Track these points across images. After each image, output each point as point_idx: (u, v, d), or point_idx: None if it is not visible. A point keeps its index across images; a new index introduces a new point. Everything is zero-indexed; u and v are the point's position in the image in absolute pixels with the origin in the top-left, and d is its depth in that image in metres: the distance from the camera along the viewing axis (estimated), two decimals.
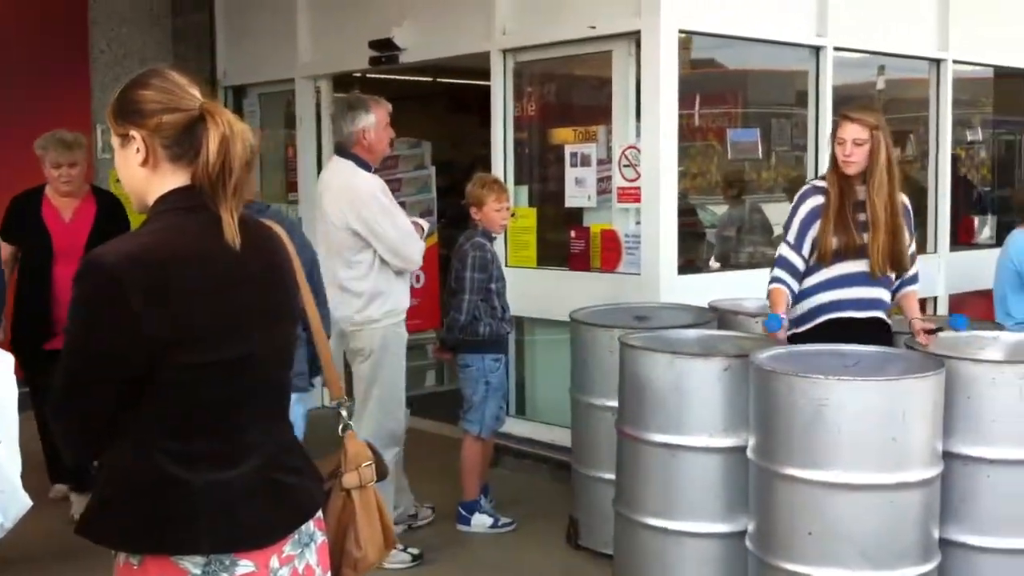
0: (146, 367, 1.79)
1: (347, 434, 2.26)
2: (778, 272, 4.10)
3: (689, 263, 6.09)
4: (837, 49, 6.10)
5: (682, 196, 5.86)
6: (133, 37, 8.05)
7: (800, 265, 4.07)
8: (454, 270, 4.96)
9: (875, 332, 4.10)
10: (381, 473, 2.30)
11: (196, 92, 1.88)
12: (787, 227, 4.13)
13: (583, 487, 4.71)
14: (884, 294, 4.14)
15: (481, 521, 5.03)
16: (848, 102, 6.25)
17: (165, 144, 1.86)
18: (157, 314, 1.77)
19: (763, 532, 3.64)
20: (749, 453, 3.69)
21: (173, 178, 1.88)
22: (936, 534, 3.58)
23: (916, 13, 6.68)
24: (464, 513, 5.05)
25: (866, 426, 3.42)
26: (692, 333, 4.41)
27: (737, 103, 6.73)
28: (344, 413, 2.29)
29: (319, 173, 7.32)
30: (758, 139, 6.51)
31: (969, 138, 8.09)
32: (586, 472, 4.66)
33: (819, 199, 4.07)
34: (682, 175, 6.07)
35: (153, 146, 1.87)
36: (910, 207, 4.23)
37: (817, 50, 6.07)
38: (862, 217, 4.05)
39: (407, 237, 4.58)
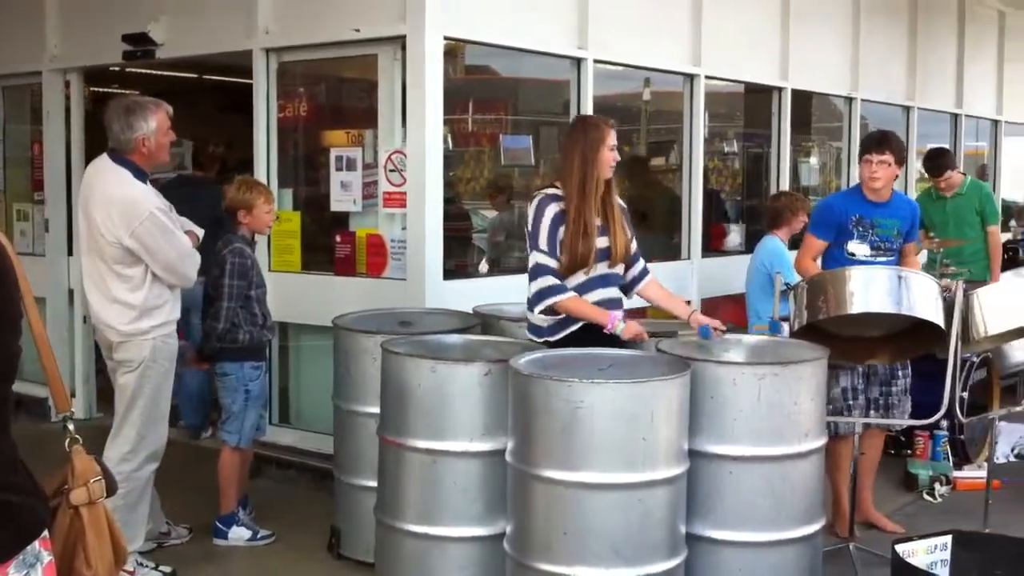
0: None
1: (74, 449, 2.14)
2: (553, 280, 4.10)
3: (459, 268, 6.14)
4: (597, 61, 6.29)
5: (453, 201, 5.88)
6: None
7: (560, 271, 4.14)
8: (212, 277, 4.80)
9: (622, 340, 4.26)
10: (111, 488, 2.19)
11: None
12: (536, 236, 4.14)
13: (345, 495, 4.65)
14: (619, 292, 4.33)
15: (239, 534, 4.89)
16: (612, 112, 6.50)
17: None
18: None
19: (521, 534, 3.68)
20: (508, 456, 3.74)
21: None
22: (683, 529, 3.73)
23: (672, 30, 6.99)
24: (221, 527, 4.89)
25: (618, 427, 3.52)
26: (455, 338, 4.42)
27: (509, 110, 6.84)
28: (71, 427, 2.16)
29: (68, 171, 7.01)
30: (531, 146, 6.64)
31: (725, 149, 8.54)
32: (348, 480, 4.60)
33: (558, 206, 4.15)
34: (454, 180, 6.12)
35: None
36: (624, 206, 4.41)
37: (579, 62, 6.23)
38: (597, 221, 4.18)
39: (184, 257, 4.39)
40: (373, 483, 4.23)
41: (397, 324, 4.75)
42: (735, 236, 8.11)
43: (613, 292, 4.27)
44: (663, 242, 7.36)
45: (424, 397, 3.89)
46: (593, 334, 4.12)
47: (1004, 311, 4.83)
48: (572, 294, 4.10)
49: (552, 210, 4.13)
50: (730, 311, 7.04)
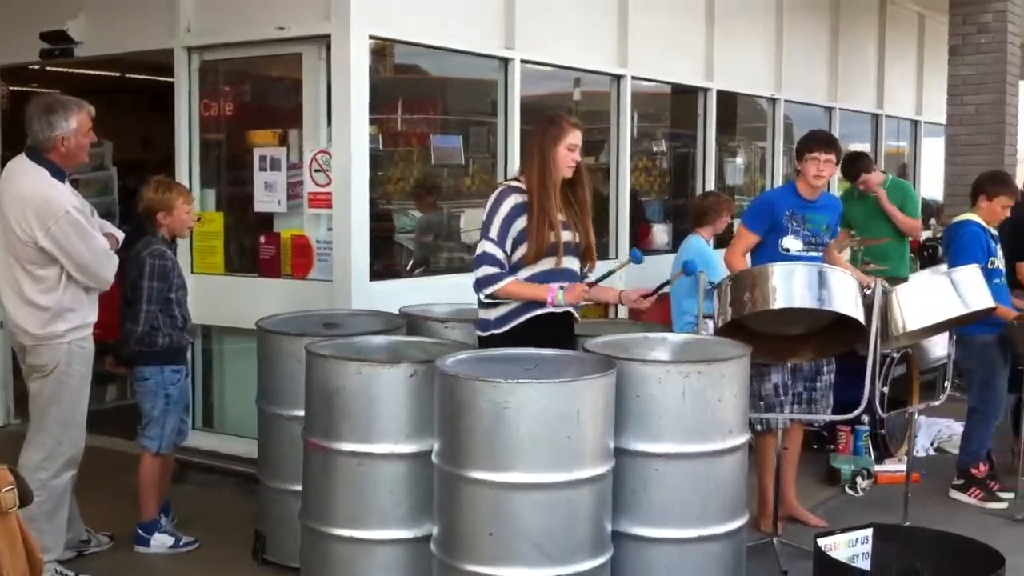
0: None
1: None
2: (493, 269, 4.11)
3: (387, 268, 6.09)
4: (524, 62, 6.29)
5: (380, 201, 5.84)
6: None
7: (505, 261, 4.14)
8: (131, 279, 4.71)
9: (567, 328, 4.29)
10: (25, 498, 2.13)
11: None
12: (487, 226, 4.15)
13: (269, 500, 4.59)
14: None
15: (161, 541, 4.80)
16: (542, 112, 6.49)
17: None
18: None
19: (447, 535, 3.67)
20: (434, 458, 3.72)
21: None
22: (609, 527, 3.74)
23: (599, 31, 7.02)
24: (143, 534, 4.80)
25: (544, 427, 3.51)
26: (381, 340, 4.40)
27: (438, 110, 6.81)
28: None
29: None
30: (460, 146, 6.62)
31: (654, 149, 8.60)
32: (273, 485, 4.55)
33: (517, 198, 4.16)
34: (382, 180, 6.08)
35: None
36: None
37: (506, 62, 6.23)
38: (560, 217, 4.19)
39: (101, 258, 4.29)
40: (298, 487, 4.18)
41: (322, 326, 4.71)
42: (662, 235, 8.18)
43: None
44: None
45: (349, 399, 3.86)
46: (540, 327, 4.14)
47: (922, 308, 4.92)
48: (511, 279, 4.10)
49: (510, 202, 4.15)
50: (657, 309, 7.08)
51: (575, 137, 4.17)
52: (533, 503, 3.51)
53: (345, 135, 5.27)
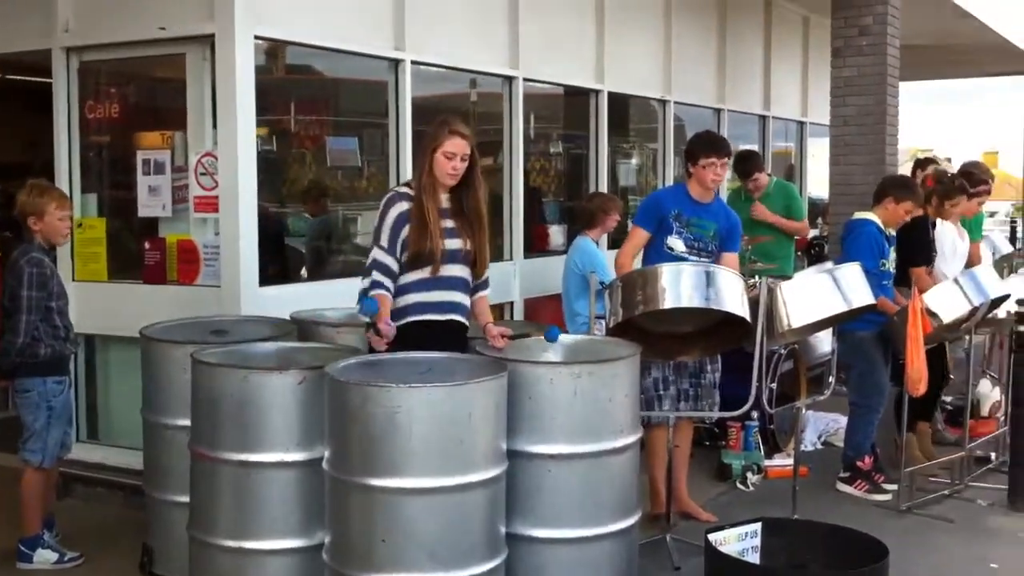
0: None
1: None
2: (377, 276, 4.09)
3: (278, 273, 5.99)
4: (415, 63, 6.26)
5: (272, 205, 5.74)
6: None
7: (395, 267, 4.11)
8: (8, 288, 4.55)
9: (455, 334, 4.25)
10: None
11: None
12: (378, 232, 4.14)
13: (157, 512, 4.48)
14: (464, 298, 4.28)
15: (45, 557, 4.65)
16: (437, 113, 6.45)
17: None
18: None
19: (339, 543, 3.62)
20: (325, 465, 3.67)
21: None
22: (503, 530, 3.74)
23: (490, 33, 7.03)
24: (25, 550, 4.64)
25: (435, 431, 3.50)
26: (269, 346, 4.33)
27: (331, 111, 6.73)
28: None
29: None
30: (357, 148, 6.55)
31: (551, 151, 8.65)
32: (160, 496, 4.44)
33: (405, 204, 4.13)
34: (274, 183, 5.98)
35: None
36: None
37: (396, 63, 6.19)
38: (449, 224, 4.17)
39: None
40: (186, 499, 4.08)
41: (209, 333, 4.61)
42: (558, 236, 8.22)
43: (455, 296, 4.23)
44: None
45: (236, 408, 3.79)
46: (428, 329, 4.12)
47: (806, 305, 5.04)
48: (381, 292, 4.05)
49: (398, 208, 4.12)
50: (551, 311, 7.13)
51: (454, 145, 4.10)
52: (426, 508, 3.50)
53: (231, 137, 5.17)
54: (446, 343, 4.09)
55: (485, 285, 4.42)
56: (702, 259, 5.13)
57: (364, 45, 6.02)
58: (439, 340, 4.10)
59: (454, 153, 4.11)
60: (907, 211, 5.79)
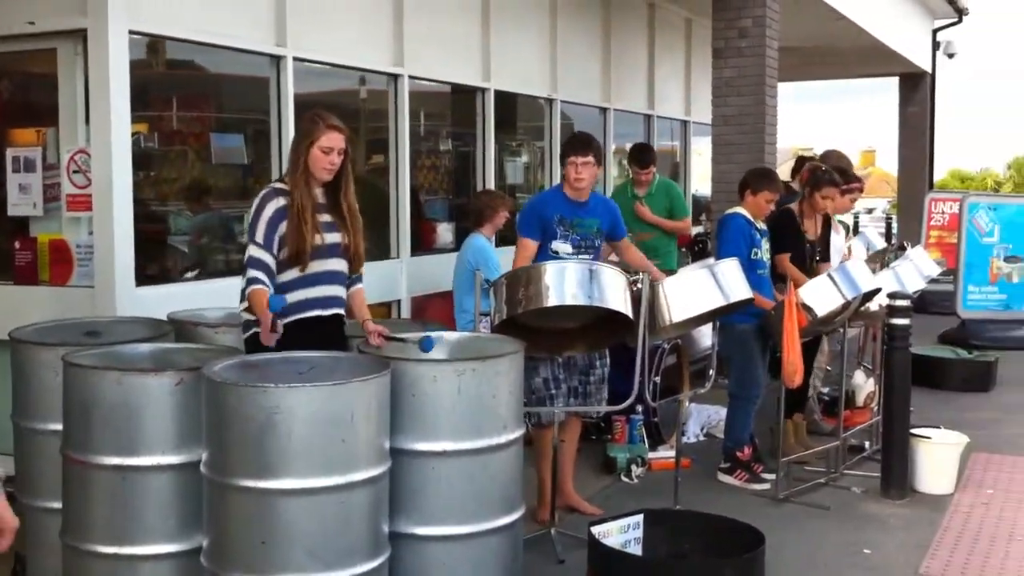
0: None
1: None
2: (254, 273, 4.03)
3: (159, 273, 5.86)
4: (297, 59, 6.19)
5: (153, 203, 5.61)
6: None
7: (272, 264, 4.06)
8: None
9: (337, 330, 4.25)
10: None
11: None
12: (253, 228, 4.08)
13: (29, 520, 4.28)
14: (343, 292, 4.29)
15: None
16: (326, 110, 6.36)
17: None
18: None
19: (218, 546, 3.56)
20: (203, 468, 3.60)
21: None
22: (386, 528, 3.73)
23: (375, 29, 6.99)
24: None
25: (316, 431, 3.46)
26: (145, 348, 4.22)
27: (215, 108, 6.60)
28: None
29: None
30: (243, 145, 6.44)
31: (441, 148, 8.64)
32: (32, 503, 4.27)
33: (281, 200, 4.09)
34: (154, 180, 5.85)
35: None
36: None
37: (278, 59, 6.11)
38: (326, 218, 4.15)
39: None
40: (59, 505, 3.96)
41: (83, 335, 4.48)
42: (446, 234, 8.22)
43: (336, 290, 4.23)
44: (373, 241, 7.35)
45: (110, 411, 3.68)
46: (304, 330, 4.08)
47: (686, 300, 5.14)
48: (258, 287, 4.00)
49: (275, 204, 4.08)
50: (440, 308, 7.14)
51: (330, 139, 4.09)
52: (307, 509, 3.46)
53: (105, 134, 5.03)
54: (328, 339, 4.07)
55: (360, 279, 4.42)
56: (590, 257, 5.20)
57: (245, 41, 5.94)
58: (322, 336, 4.08)
59: (331, 148, 4.09)
60: (767, 200, 5.95)
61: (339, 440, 3.49)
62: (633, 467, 6.09)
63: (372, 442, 3.61)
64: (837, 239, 6.99)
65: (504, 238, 7.54)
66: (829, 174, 6.41)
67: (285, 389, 3.45)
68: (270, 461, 3.43)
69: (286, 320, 4.02)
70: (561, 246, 5.19)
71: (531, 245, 5.21)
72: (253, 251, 4.06)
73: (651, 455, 6.29)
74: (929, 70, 17.83)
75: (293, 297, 4.12)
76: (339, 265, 4.22)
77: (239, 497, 3.47)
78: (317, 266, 4.14)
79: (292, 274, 4.11)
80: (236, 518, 3.49)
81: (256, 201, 4.14)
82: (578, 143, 5.29)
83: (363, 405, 3.57)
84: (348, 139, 4.16)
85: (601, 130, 10.22)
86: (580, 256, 5.17)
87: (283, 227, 4.07)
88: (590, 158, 5.17)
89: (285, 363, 3.80)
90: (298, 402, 3.44)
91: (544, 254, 5.20)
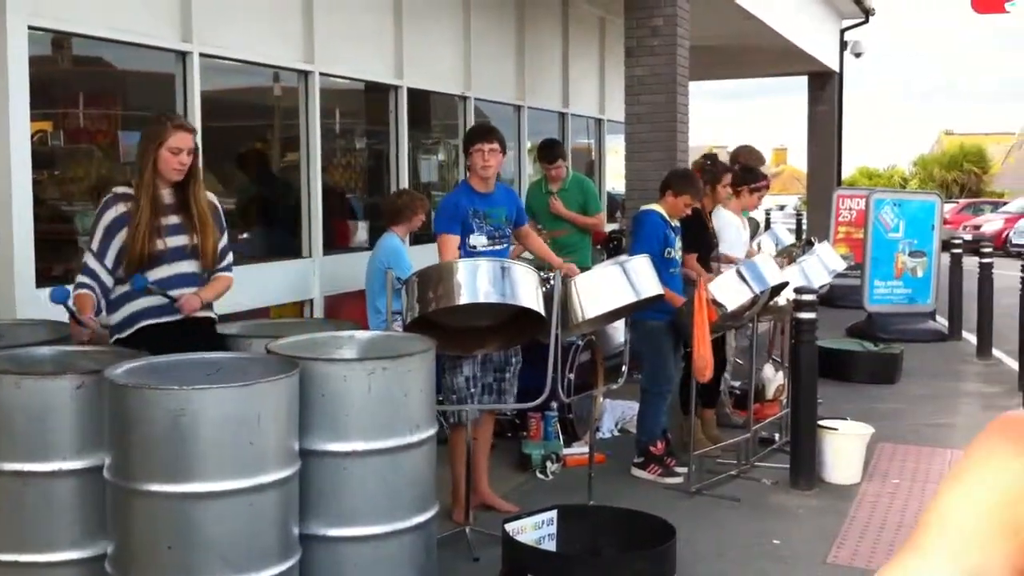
0: None
1: None
2: (83, 279, 4.10)
3: (64, 274, 5.70)
4: (204, 56, 6.08)
5: (59, 202, 5.47)
6: None
7: (103, 273, 4.10)
8: None
9: (200, 330, 4.25)
10: None
11: None
12: (91, 236, 4.11)
13: None
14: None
15: None
16: (237, 107, 6.25)
17: None
18: None
19: (122, 553, 3.48)
20: (106, 473, 3.52)
21: None
22: (296, 530, 3.69)
23: (284, 26, 6.90)
24: None
25: (224, 433, 3.41)
26: (45, 351, 4.10)
27: (123, 106, 6.46)
28: None
29: None
30: None
31: (357, 146, 8.57)
32: None
33: (123, 207, 4.10)
34: (59, 180, 5.71)
35: None
36: (219, 205, 4.41)
37: (184, 55, 6.00)
38: (173, 220, 4.16)
39: None
40: None
41: None
42: (361, 233, 8.17)
43: (190, 292, 4.22)
44: (285, 240, 7.27)
45: (9, 416, 3.57)
46: (165, 330, 4.11)
47: (598, 296, 5.17)
48: (82, 291, 4.05)
49: (115, 211, 4.08)
50: (353, 307, 7.08)
51: (179, 140, 4.11)
52: (214, 512, 3.40)
53: (3, 132, 4.88)
54: (189, 342, 4.04)
55: (228, 268, 4.41)
56: (504, 247, 5.28)
57: (149, 37, 5.81)
58: (179, 341, 4.05)
59: (180, 148, 4.10)
60: (686, 203, 6.03)
61: (247, 442, 3.44)
62: (548, 463, 6.12)
63: (281, 443, 3.57)
64: (744, 233, 7.11)
65: (418, 238, 7.52)
66: (717, 164, 6.61)
67: (189, 391, 3.39)
68: (176, 465, 3.37)
69: (137, 326, 4.07)
70: (477, 239, 5.20)
71: (453, 240, 5.21)
72: (87, 259, 4.12)
73: (566, 451, 6.32)
74: (837, 69, 18.23)
75: (144, 303, 4.16)
76: (189, 267, 4.22)
77: (144, 502, 3.41)
78: (165, 271, 4.15)
79: (151, 276, 4.12)
80: (141, 523, 3.43)
81: (99, 207, 4.15)
82: (483, 130, 5.39)
83: (271, 406, 3.53)
84: (194, 137, 4.19)
85: (515, 128, 10.26)
86: (495, 247, 5.20)
87: (123, 235, 4.08)
88: (496, 145, 5.22)
89: (192, 365, 3.74)
90: (203, 404, 3.39)
91: (462, 250, 5.20)
